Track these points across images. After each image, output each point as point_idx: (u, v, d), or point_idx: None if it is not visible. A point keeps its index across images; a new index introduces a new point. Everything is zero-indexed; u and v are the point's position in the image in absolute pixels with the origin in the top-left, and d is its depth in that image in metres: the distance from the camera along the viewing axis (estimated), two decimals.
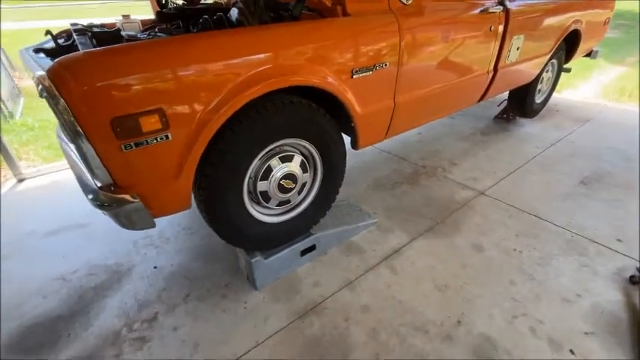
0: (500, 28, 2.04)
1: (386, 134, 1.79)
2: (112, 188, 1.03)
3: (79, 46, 1.15)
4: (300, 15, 1.35)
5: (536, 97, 3.12)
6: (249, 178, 1.36)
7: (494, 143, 2.94)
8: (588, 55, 3.55)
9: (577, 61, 3.47)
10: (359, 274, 1.65)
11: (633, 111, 3.60)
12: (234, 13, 1.49)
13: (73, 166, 1.25)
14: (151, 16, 2.29)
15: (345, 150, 1.63)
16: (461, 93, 2.09)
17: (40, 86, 0.88)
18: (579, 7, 2.74)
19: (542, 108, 3.37)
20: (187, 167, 1.11)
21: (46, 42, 1.59)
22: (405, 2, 1.53)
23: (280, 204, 1.51)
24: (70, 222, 2.10)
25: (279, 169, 1.40)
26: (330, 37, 1.32)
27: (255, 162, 1.34)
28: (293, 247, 1.63)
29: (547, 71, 3.03)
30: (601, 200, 2.13)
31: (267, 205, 1.47)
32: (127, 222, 1.07)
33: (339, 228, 1.80)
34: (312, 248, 1.72)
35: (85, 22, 2.01)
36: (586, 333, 1.33)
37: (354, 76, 1.41)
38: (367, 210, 2.05)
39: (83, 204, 2.09)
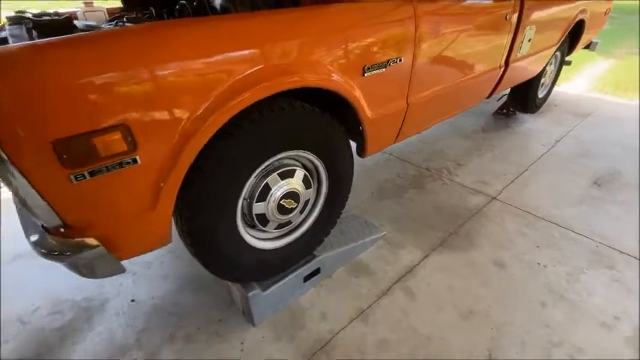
0: (515, 17, 1.85)
1: (396, 139, 1.59)
2: (63, 230, 0.77)
3: (9, 40, 0.88)
4: None
5: (539, 92, 2.98)
6: (244, 199, 1.13)
7: (498, 141, 2.79)
8: (587, 47, 3.44)
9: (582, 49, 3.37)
10: (371, 301, 1.45)
11: (629, 105, 3.53)
12: None
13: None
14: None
15: (352, 159, 1.41)
16: (472, 89, 1.90)
17: None
18: None
19: (544, 103, 3.25)
20: (165, 196, 0.86)
21: None
22: None
23: (279, 226, 1.29)
24: (26, 248, 1.80)
25: (279, 188, 1.17)
26: (340, 26, 1.08)
27: (250, 181, 1.10)
28: (295, 273, 1.40)
29: (550, 64, 2.89)
30: (618, 204, 2.00)
31: (264, 228, 1.24)
32: (88, 271, 0.82)
33: (344, 247, 1.59)
34: (315, 272, 1.50)
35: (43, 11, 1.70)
36: None
37: (366, 74, 1.18)
38: (373, 222, 1.84)
39: None
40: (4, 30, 1.01)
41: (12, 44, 0.69)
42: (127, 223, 0.84)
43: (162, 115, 0.80)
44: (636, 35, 6.94)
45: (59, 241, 0.76)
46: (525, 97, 2.92)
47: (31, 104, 0.64)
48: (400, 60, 1.27)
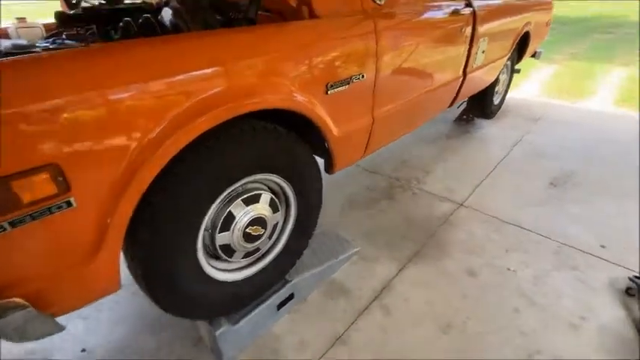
0: (469, 31, 1.93)
1: (364, 153, 1.57)
2: None
3: None
4: (257, 17, 1.05)
5: (494, 99, 3.14)
6: (205, 230, 1.04)
7: (460, 147, 2.89)
8: (533, 55, 3.69)
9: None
10: (349, 323, 1.39)
11: (573, 107, 3.82)
12: (166, 14, 1.14)
13: None
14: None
15: (320, 177, 1.36)
16: (435, 100, 1.95)
17: None
18: (529, 9, 2.78)
19: (500, 109, 3.42)
20: (110, 240, 0.75)
21: None
22: (378, 2, 1.31)
23: (247, 255, 1.20)
24: None
25: (244, 215, 1.09)
26: (300, 45, 1.04)
27: (212, 210, 1.01)
28: (268, 302, 1.32)
29: (503, 73, 3.06)
30: (573, 202, 2.12)
31: (230, 259, 1.15)
32: (17, 336, 0.69)
33: (318, 268, 1.52)
34: (289, 297, 1.42)
35: None
36: None
37: (329, 92, 1.15)
38: (345, 237, 1.80)
39: None
40: None
41: None
42: (63, 274, 0.73)
43: (100, 147, 0.70)
44: (570, 43, 7.62)
45: None
46: (482, 105, 3.07)
47: None
48: (363, 76, 1.25)
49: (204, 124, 0.84)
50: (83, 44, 1.19)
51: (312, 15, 1.10)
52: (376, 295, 1.52)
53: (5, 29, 1.63)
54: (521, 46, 3.09)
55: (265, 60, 0.97)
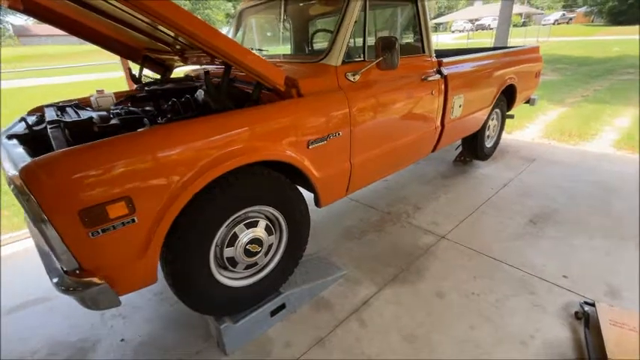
0: (441, 91, 2.34)
1: (346, 192, 1.94)
2: (78, 272, 1.07)
3: (52, 142, 1.25)
4: (259, 97, 1.53)
5: (486, 142, 3.45)
6: (216, 245, 1.44)
7: (454, 186, 3.17)
8: (528, 102, 4.00)
9: (524, 104, 3.93)
10: (329, 331, 1.69)
11: (570, 149, 4.01)
12: (200, 94, 1.66)
13: (38, 244, 1.29)
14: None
15: (307, 210, 1.74)
16: (412, 148, 2.32)
17: (12, 186, 0.96)
18: (510, 65, 3.17)
19: (494, 151, 3.70)
20: (153, 245, 1.18)
21: (14, 125, 1.68)
22: (352, 80, 1.77)
23: (247, 267, 1.58)
24: (35, 295, 2.04)
25: (245, 235, 1.49)
26: (287, 117, 1.49)
27: (221, 230, 1.42)
28: (262, 308, 1.66)
29: (492, 119, 3.40)
30: (549, 238, 2.32)
31: (234, 269, 1.53)
32: (93, 303, 1.11)
33: (307, 285, 1.86)
34: (282, 307, 1.76)
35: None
36: None
37: (310, 147, 1.57)
38: (336, 262, 2.13)
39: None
40: (44, 122, 1.37)
41: (53, 153, 1.04)
42: (124, 266, 1.15)
43: (154, 187, 1.15)
44: (585, 85, 7.79)
45: (75, 280, 1.06)
46: (474, 148, 3.38)
47: (67, 191, 0.99)
48: (339, 134, 1.68)
49: (226, 167, 1.28)
50: (142, 113, 1.72)
51: (299, 94, 1.57)
52: (355, 309, 1.81)
53: (88, 98, 2.26)
54: (512, 95, 3.45)
55: (263, 128, 1.42)
